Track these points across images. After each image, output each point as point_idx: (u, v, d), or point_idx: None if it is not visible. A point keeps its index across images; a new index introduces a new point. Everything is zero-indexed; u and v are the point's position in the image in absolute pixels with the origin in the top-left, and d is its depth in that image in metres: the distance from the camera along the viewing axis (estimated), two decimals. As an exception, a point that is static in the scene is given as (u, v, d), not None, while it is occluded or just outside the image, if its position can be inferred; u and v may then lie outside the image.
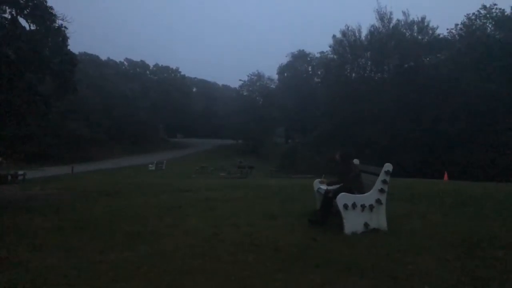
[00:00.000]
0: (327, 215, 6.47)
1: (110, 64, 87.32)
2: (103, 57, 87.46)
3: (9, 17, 10.43)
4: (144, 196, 12.04)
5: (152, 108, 78.04)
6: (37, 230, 7.49)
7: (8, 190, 17.14)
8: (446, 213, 7.33)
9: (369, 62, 52.77)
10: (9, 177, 23.39)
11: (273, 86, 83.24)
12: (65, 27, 11.41)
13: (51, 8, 11.67)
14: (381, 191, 6.00)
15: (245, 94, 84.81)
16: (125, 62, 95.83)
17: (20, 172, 25.37)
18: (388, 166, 6.01)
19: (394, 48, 49.46)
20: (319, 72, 72.58)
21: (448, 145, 40.99)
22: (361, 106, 45.55)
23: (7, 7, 10.03)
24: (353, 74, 53.95)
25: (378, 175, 6.07)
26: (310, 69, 78.89)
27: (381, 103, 44.82)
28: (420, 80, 45.38)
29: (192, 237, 6.26)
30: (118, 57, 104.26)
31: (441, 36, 51.08)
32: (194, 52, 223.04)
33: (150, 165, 40.91)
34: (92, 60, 72.97)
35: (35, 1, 11.21)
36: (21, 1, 10.88)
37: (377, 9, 51.79)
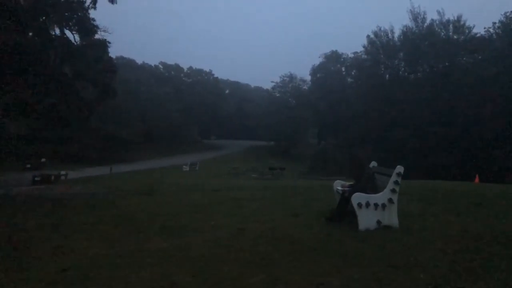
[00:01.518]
0: (343, 213, 6.97)
1: (145, 67, 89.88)
2: (139, 61, 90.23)
3: (58, 32, 11.45)
4: (177, 195, 12.83)
5: (186, 110, 79.82)
6: (82, 224, 8.37)
7: (53, 189, 18.43)
8: (460, 213, 7.65)
9: (402, 63, 52.26)
10: (53, 177, 24.93)
11: (305, 87, 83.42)
12: (108, 41, 12.35)
13: (93, 20, 12.65)
14: (393, 191, 6.45)
15: (277, 95, 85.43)
16: (160, 66, 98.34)
17: (63, 172, 26.92)
18: (399, 168, 6.45)
19: (428, 48, 48.77)
20: (352, 73, 72.19)
21: (484, 148, 40.08)
22: (393, 107, 45.21)
23: (55, 25, 11.01)
24: (386, 75, 53.53)
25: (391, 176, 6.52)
26: (343, 70, 78.48)
27: (414, 104, 44.32)
28: (455, 80, 44.58)
29: (218, 231, 6.92)
30: (153, 61, 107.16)
31: (478, 35, 49.92)
32: (227, 55, 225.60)
33: (184, 166, 42.09)
34: (128, 64, 75.39)
35: (79, 14, 12.15)
36: (66, 14, 11.81)
37: (410, 9, 51.28)
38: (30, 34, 10.30)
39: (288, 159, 62.33)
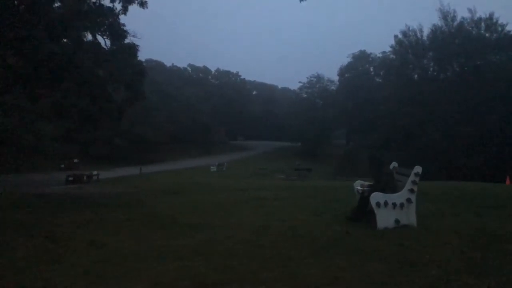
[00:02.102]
0: (362, 212, 7.12)
1: (174, 70, 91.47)
2: (168, 63, 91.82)
3: (90, 37, 12.03)
4: (204, 194, 13.20)
5: (213, 112, 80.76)
6: (113, 221, 8.82)
7: (85, 188, 19.19)
8: (480, 213, 7.66)
9: (432, 62, 51.34)
10: (85, 177, 25.88)
11: (333, 87, 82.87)
12: (137, 46, 12.87)
13: (123, 25, 13.16)
14: (411, 191, 6.57)
15: (304, 96, 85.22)
16: (188, 68, 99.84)
17: (94, 173, 27.91)
18: (417, 168, 6.56)
19: (458, 47, 47.75)
20: (381, 73, 71.30)
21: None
22: (422, 107, 44.49)
23: (88, 32, 11.58)
24: (415, 75, 52.69)
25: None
26: (371, 70, 77.59)
27: (444, 104, 43.48)
28: (486, 79, 43.48)
29: (241, 229, 7.20)
30: (182, 63, 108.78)
31: (511, 33, 48.49)
32: (255, 56, 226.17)
33: (212, 167, 42.72)
34: (157, 66, 76.90)
35: (110, 20, 12.68)
36: (98, 20, 12.34)
37: (439, 8, 50.30)
38: (64, 40, 10.87)
39: (315, 160, 62.16)
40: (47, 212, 10.22)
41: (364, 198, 7.04)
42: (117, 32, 12.92)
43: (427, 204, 8.52)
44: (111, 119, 14.97)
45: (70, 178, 24.44)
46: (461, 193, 10.71)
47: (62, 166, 36.19)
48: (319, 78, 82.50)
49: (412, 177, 6.57)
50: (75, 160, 39.18)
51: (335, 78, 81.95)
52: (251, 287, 4.42)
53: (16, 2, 8.20)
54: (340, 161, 55.10)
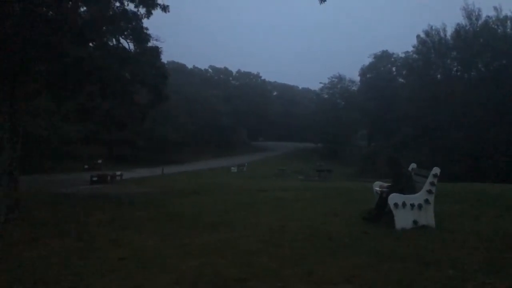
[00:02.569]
0: (380, 213, 7.18)
1: (195, 71, 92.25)
2: (189, 65, 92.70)
3: (114, 41, 12.40)
4: (224, 194, 13.42)
5: (234, 113, 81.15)
6: (137, 219, 9.12)
7: (110, 188, 19.70)
8: (500, 215, 7.62)
9: (455, 62, 50.48)
10: (109, 177, 26.49)
11: (354, 88, 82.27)
12: (161, 48, 13.21)
13: (146, 29, 13.49)
14: (429, 192, 6.60)
15: (325, 96, 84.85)
16: (209, 69, 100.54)
17: (118, 173, 28.54)
18: (435, 170, 6.60)
19: (483, 46, 46.83)
20: (403, 73, 70.31)
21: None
22: (445, 107, 43.79)
23: (115, 36, 11.96)
24: (438, 75, 51.87)
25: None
26: (394, 70, 76.62)
27: (468, 105, 42.70)
28: (513, 78, 42.51)
29: (260, 228, 7.37)
30: (203, 65, 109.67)
31: (540, 30, 47.29)
32: (275, 57, 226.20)
33: (232, 168, 43.06)
34: (179, 68, 77.72)
35: (134, 23, 13.02)
36: (122, 25, 12.69)
37: (464, 7, 49.43)
38: (90, 45, 11.26)
39: (337, 161, 61.90)
40: (74, 211, 10.61)
41: (383, 199, 7.11)
42: (140, 36, 13.24)
43: (447, 205, 8.51)
44: (135, 120, 15.36)
45: (95, 178, 25.06)
46: (483, 195, 10.61)
47: (86, 166, 37.09)
48: (340, 78, 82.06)
49: (430, 178, 6.61)
50: (99, 161, 40.13)
51: (356, 78, 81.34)
52: (270, 284, 4.57)
53: (44, 9, 8.57)
54: (362, 162, 54.62)
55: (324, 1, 11.81)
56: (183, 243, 6.66)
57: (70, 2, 10.45)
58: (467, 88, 46.04)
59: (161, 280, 4.91)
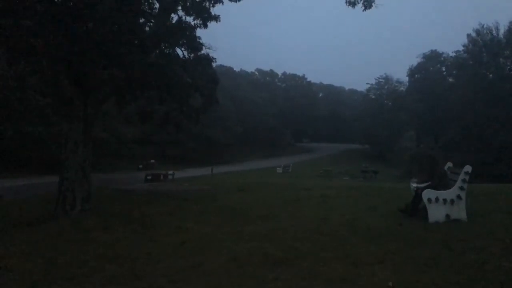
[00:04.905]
0: (416, 207, 7.75)
1: (242, 74, 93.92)
2: (237, 68, 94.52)
3: (170, 50, 13.57)
4: (271, 192, 14.27)
5: (280, 114, 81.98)
6: (193, 211, 10.20)
7: (164, 185, 21.05)
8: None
9: (509, 61, 48.68)
10: (162, 176, 28.08)
11: (402, 88, 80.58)
12: (214, 58, 14.27)
13: (199, 38, 14.59)
14: (461, 188, 7.12)
15: (372, 97, 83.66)
16: (256, 72, 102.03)
17: (170, 172, 30.14)
18: (467, 168, 7.11)
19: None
20: (453, 73, 68.21)
21: None
22: (497, 108, 42.42)
23: (172, 46, 13.13)
24: (490, 75, 50.19)
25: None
26: (443, 70, 74.46)
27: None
28: None
29: (305, 220, 8.17)
30: (250, 68, 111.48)
31: None
32: (321, 58, 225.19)
33: (278, 168, 43.82)
34: (227, 72, 79.45)
35: (188, 33, 14.14)
36: (179, 35, 13.80)
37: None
38: (153, 54, 12.46)
39: (383, 163, 61.22)
40: (136, 204, 11.85)
41: (418, 195, 7.68)
42: (193, 45, 14.32)
43: (483, 203, 8.90)
44: (190, 122, 16.61)
45: (149, 177, 26.69)
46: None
47: (141, 166, 39.15)
48: (387, 79, 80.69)
49: (462, 176, 7.13)
50: (152, 161, 42.18)
51: (404, 79, 79.72)
52: (311, 263, 5.37)
53: (116, 26, 9.78)
54: (408, 163, 53.68)
55: (368, 8, 12.37)
56: (236, 230, 7.60)
57: (143, 19, 11.79)
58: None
59: (218, 259, 5.85)
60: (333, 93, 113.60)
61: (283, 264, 5.44)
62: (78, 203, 10.20)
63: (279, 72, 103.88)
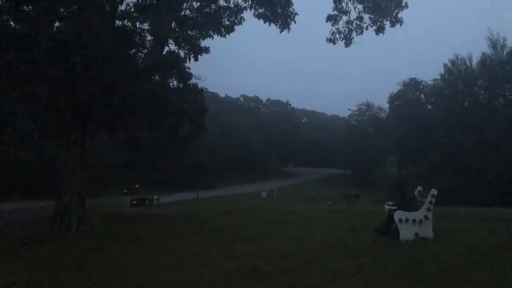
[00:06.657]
0: (389, 227, 8.54)
1: (227, 100, 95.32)
2: (222, 94, 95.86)
3: (160, 80, 14.39)
4: (256, 215, 14.89)
5: (265, 139, 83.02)
6: (183, 232, 10.78)
7: (151, 209, 21.50)
8: (494, 230, 8.69)
9: (482, 91, 50.96)
10: (147, 201, 28.45)
11: (383, 115, 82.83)
12: (204, 88, 15.16)
13: (188, 68, 15.46)
14: (428, 209, 7.94)
15: (354, 123, 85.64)
16: (241, 98, 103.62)
17: (155, 197, 30.51)
18: (433, 191, 7.97)
19: (509, 73, 47.26)
20: (432, 100, 70.53)
21: None
22: (473, 135, 44.15)
23: (163, 76, 13.98)
24: (465, 103, 52.32)
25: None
26: (422, 97, 76.94)
27: (495, 132, 42.96)
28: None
29: (289, 239, 8.87)
30: (235, 94, 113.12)
31: None
32: (304, 85, 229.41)
33: (262, 193, 44.34)
34: (213, 97, 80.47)
35: (178, 66, 15.00)
36: (167, 68, 14.62)
37: (489, 37, 50.19)
38: (149, 82, 13.23)
39: (365, 187, 62.19)
40: (128, 226, 12.38)
41: (391, 216, 8.47)
42: (183, 75, 15.18)
43: (453, 223, 9.71)
44: (176, 150, 17.30)
45: (134, 202, 27.06)
46: (491, 216, 11.58)
47: (125, 191, 39.32)
48: (369, 105, 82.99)
49: (429, 198, 7.97)
50: (136, 186, 42.35)
51: (385, 105, 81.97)
52: (295, 276, 6.10)
53: (114, 57, 10.58)
54: (390, 188, 54.84)
55: (348, 46, 13.42)
56: (226, 249, 8.26)
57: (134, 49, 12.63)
58: (493, 115, 46.32)
59: (210, 273, 6.52)
60: (317, 119, 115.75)
61: (270, 277, 6.15)
62: (73, 225, 10.71)
63: (263, 98, 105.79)
